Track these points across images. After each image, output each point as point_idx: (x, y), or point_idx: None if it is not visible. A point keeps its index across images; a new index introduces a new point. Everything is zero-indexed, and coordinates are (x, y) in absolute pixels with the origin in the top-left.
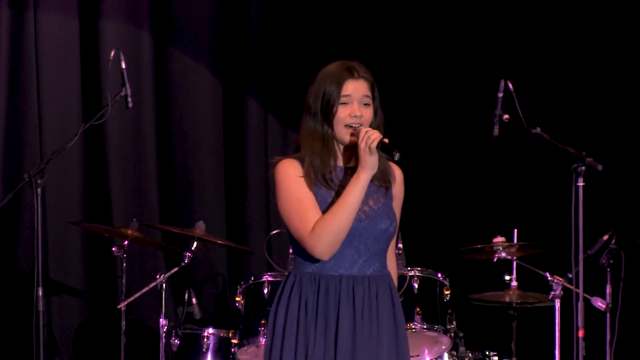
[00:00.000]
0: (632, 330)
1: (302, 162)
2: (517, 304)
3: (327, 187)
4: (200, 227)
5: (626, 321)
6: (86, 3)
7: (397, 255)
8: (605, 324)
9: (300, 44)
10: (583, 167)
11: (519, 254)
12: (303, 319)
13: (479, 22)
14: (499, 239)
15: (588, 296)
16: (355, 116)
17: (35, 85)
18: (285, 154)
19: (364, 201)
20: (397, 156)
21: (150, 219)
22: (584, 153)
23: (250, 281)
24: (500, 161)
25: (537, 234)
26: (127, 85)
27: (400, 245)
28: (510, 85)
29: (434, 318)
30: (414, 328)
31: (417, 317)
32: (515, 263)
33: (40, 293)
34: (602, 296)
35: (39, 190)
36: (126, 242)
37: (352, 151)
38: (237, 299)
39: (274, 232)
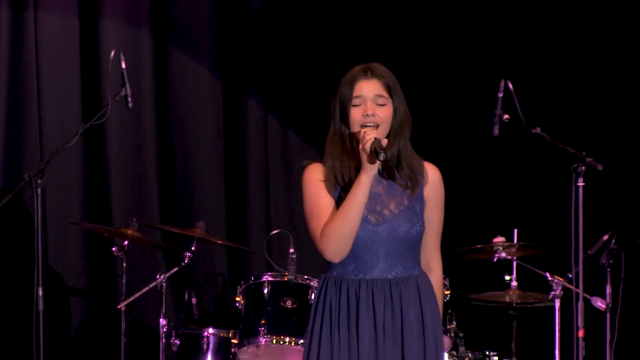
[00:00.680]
0: (632, 330)
1: (325, 166)
2: (517, 304)
3: (349, 190)
4: (200, 227)
5: (626, 321)
6: (86, 3)
7: None
8: (605, 324)
9: (300, 44)
10: (583, 167)
11: (519, 254)
12: (327, 323)
13: (479, 22)
14: (499, 239)
15: (588, 296)
16: (367, 115)
17: (35, 85)
18: (286, 154)
19: (385, 205)
20: (381, 156)
21: (150, 219)
22: (584, 153)
23: (250, 281)
24: (500, 161)
25: (537, 234)
26: (127, 85)
27: None
28: (510, 85)
29: None
30: None
31: None
32: (515, 263)
33: (40, 293)
34: (602, 296)
35: (39, 190)
36: (126, 242)
37: None
38: (237, 299)
39: (274, 232)
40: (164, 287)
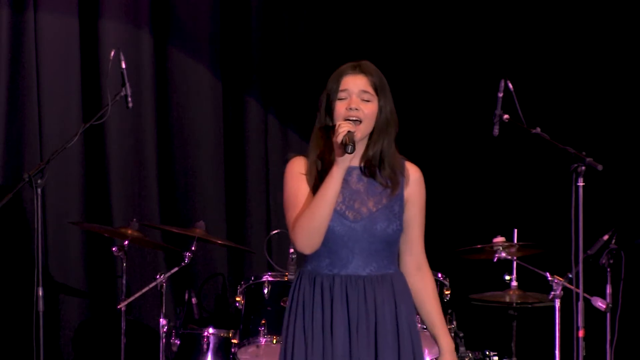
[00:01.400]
0: (632, 330)
1: (308, 159)
2: (517, 304)
3: None
4: (200, 227)
5: (626, 321)
6: (86, 3)
7: None
8: (605, 324)
9: (300, 44)
10: (583, 167)
11: (519, 254)
12: (301, 318)
13: (479, 22)
14: (499, 239)
15: (588, 296)
16: (351, 109)
17: (35, 85)
18: (286, 154)
19: (363, 202)
20: (349, 148)
21: (150, 219)
22: (584, 153)
23: (250, 281)
24: (500, 161)
25: (537, 234)
26: (127, 85)
27: None
28: (510, 85)
29: None
30: None
31: (417, 317)
32: (515, 263)
33: (40, 293)
34: (602, 296)
35: (39, 190)
36: (126, 242)
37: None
38: (237, 299)
39: (274, 232)
40: (164, 287)
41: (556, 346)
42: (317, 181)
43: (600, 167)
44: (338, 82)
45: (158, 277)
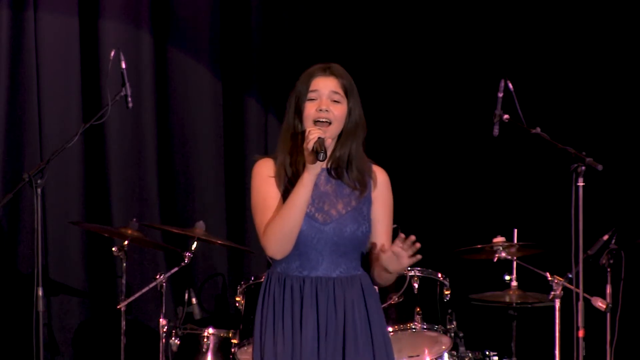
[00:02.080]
0: (632, 330)
1: (276, 162)
2: (517, 304)
3: None
4: (200, 227)
5: (626, 321)
6: (86, 3)
7: None
8: (605, 324)
9: (300, 45)
10: (583, 167)
11: (519, 254)
12: (271, 319)
13: (479, 22)
14: (499, 239)
15: (588, 296)
16: (321, 110)
17: (35, 85)
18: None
19: (332, 204)
20: (321, 156)
21: (150, 219)
22: (584, 153)
23: (250, 281)
24: (500, 161)
25: (537, 234)
26: (127, 85)
27: None
28: (510, 85)
29: (434, 318)
30: (414, 328)
31: (417, 317)
32: (515, 263)
33: (40, 293)
34: (602, 296)
35: (39, 190)
36: (126, 242)
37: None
38: (237, 299)
39: None
40: (164, 287)
41: (556, 346)
42: (287, 185)
43: (600, 167)
44: (308, 83)
45: (158, 277)
